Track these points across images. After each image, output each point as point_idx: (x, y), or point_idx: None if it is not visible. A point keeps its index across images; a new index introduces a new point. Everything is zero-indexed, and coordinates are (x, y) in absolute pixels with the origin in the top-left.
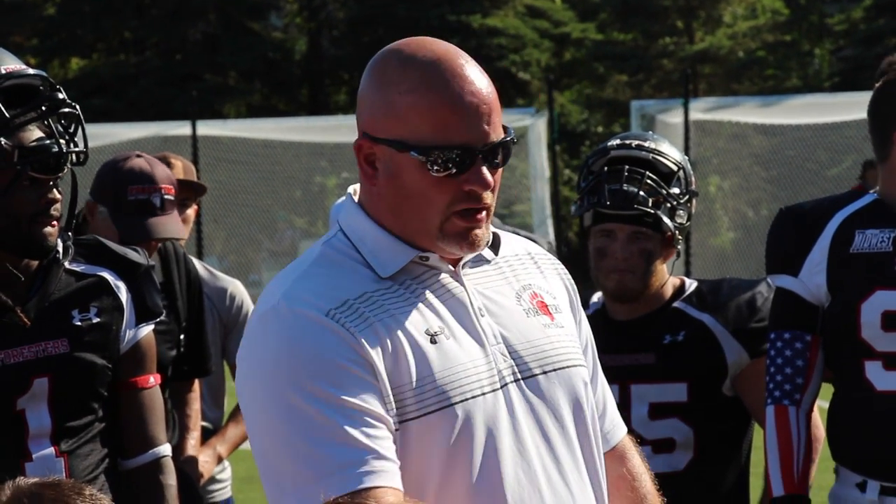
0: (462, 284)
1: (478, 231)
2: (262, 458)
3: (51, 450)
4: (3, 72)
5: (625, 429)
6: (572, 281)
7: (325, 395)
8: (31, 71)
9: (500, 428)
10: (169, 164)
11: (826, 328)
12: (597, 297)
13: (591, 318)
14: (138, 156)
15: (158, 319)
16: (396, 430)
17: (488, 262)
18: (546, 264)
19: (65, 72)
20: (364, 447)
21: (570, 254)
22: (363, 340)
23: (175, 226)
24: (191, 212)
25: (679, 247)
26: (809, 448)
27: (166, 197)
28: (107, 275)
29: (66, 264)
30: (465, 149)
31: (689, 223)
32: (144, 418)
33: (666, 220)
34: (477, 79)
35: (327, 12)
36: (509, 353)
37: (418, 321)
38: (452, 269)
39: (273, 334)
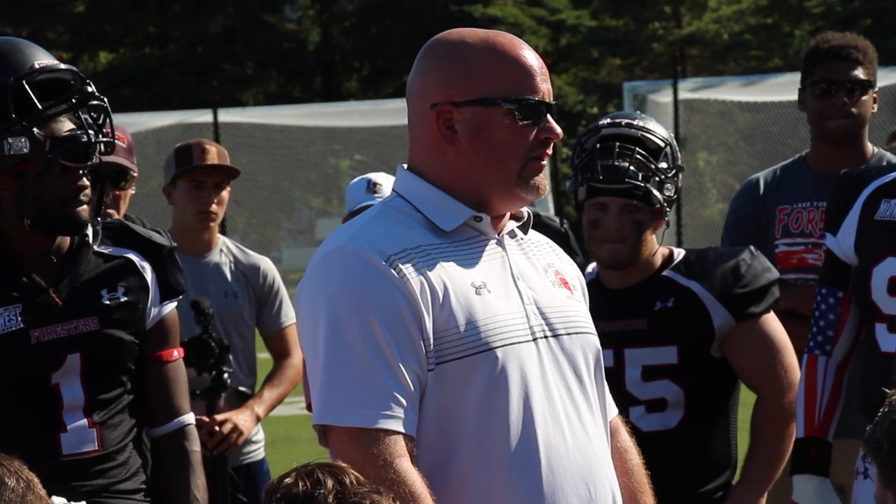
0: (504, 250)
1: (543, 177)
2: (311, 372)
3: (84, 421)
4: (37, 66)
5: (616, 409)
6: (582, 277)
7: (374, 332)
8: (62, 66)
9: (531, 374)
10: (204, 150)
11: (853, 287)
12: (591, 267)
13: (587, 287)
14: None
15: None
16: (431, 370)
17: (521, 239)
18: (562, 256)
19: (94, 65)
20: (390, 392)
21: (570, 227)
22: (414, 287)
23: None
24: (225, 194)
25: (667, 218)
26: (835, 397)
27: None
28: (133, 256)
29: (95, 247)
30: (542, 102)
31: (676, 196)
32: (169, 389)
33: (655, 192)
34: (530, 47)
35: (338, 5)
36: (540, 313)
37: (465, 275)
38: (496, 236)
39: (338, 269)
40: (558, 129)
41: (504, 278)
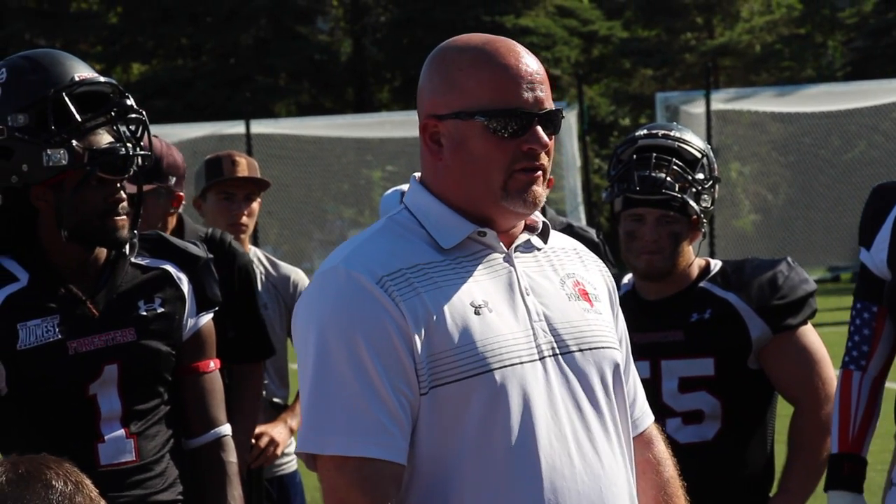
0: (512, 265)
1: (536, 188)
2: (301, 395)
3: (121, 431)
4: (77, 79)
5: (652, 417)
6: (613, 282)
7: (362, 358)
8: (101, 78)
9: (535, 395)
10: (234, 162)
11: (888, 302)
12: (627, 278)
13: (622, 299)
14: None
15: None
16: (424, 394)
17: (538, 249)
18: (589, 261)
19: (127, 76)
20: (377, 419)
21: (603, 238)
22: (405, 310)
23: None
24: (255, 205)
25: (704, 229)
26: (870, 412)
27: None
28: (169, 267)
29: (132, 258)
30: (524, 112)
31: (712, 207)
32: (206, 400)
33: (692, 203)
34: (527, 55)
35: (370, 16)
36: (550, 330)
37: (464, 294)
38: (505, 250)
39: (330, 292)
40: (544, 140)
41: (510, 295)
